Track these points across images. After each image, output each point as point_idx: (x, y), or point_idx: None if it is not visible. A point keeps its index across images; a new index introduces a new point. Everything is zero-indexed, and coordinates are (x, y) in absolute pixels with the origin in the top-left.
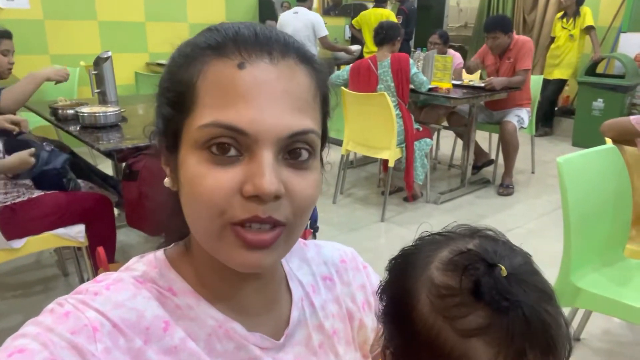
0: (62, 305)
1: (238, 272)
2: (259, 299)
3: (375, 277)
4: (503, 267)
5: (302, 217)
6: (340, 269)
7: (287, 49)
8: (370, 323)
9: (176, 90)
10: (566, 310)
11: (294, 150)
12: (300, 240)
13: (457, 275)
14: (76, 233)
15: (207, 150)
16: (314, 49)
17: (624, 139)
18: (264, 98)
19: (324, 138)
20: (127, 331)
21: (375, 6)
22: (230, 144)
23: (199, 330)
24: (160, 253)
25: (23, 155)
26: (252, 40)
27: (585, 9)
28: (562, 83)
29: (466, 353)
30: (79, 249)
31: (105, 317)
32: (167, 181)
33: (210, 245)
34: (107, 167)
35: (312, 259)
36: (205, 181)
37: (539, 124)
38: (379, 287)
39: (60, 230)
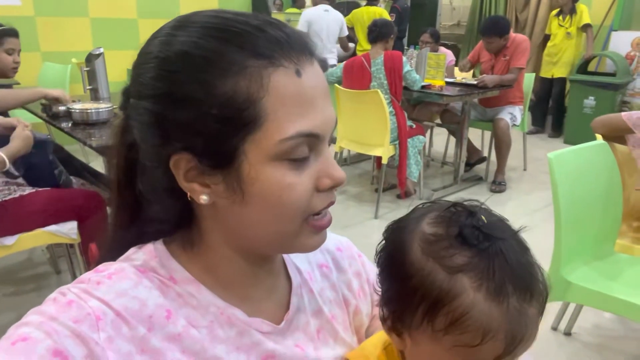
0: (65, 294)
1: (256, 261)
2: (260, 286)
3: (370, 265)
4: (483, 217)
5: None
6: (337, 256)
7: (308, 44)
8: (365, 309)
9: (230, 107)
10: (557, 305)
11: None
12: None
13: (444, 225)
14: (68, 230)
15: (286, 159)
16: (335, 46)
17: (614, 135)
18: (321, 100)
19: None
20: (130, 319)
21: (368, 4)
22: (308, 152)
23: (201, 318)
24: (159, 243)
25: (20, 133)
26: (292, 42)
27: (582, 7)
28: (564, 82)
29: (453, 287)
30: (72, 246)
31: (108, 306)
32: (204, 198)
33: (282, 243)
34: (97, 165)
35: None
36: (295, 190)
37: (550, 124)
38: (375, 252)
39: (53, 227)
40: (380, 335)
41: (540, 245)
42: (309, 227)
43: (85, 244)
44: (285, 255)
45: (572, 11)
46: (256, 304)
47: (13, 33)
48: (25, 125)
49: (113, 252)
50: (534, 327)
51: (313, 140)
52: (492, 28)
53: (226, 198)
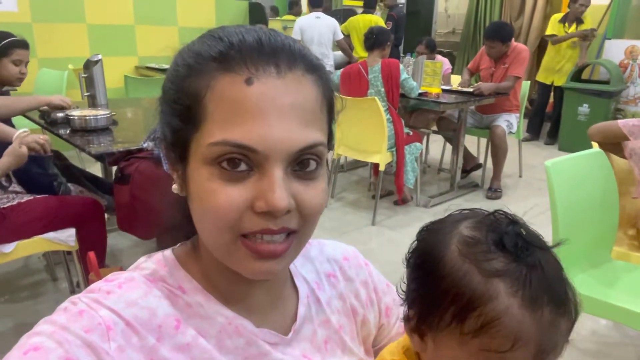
0: (76, 303)
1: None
2: (266, 297)
3: (377, 273)
4: (522, 227)
5: (312, 223)
6: (344, 266)
7: (294, 58)
8: (373, 319)
9: (183, 103)
10: None
11: (302, 162)
12: None
13: (484, 231)
14: (66, 237)
15: (218, 165)
16: (331, 52)
17: (611, 142)
18: (272, 114)
19: (329, 142)
20: (140, 329)
21: (364, 12)
22: (240, 160)
23: (210, 328)
24: (168, 252)
25: (14, 150)
26: (258, 51)
27: (587, 18)
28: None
29: (488, 290)
30: (69, 253)
31: (118, 316)
32: (175, 187)
33: (220, 254)
34: (95, 172)
35: (316, 257)
36: (216, 197)
37: (546, 132)
38: (408, 252)
39: (51, 234)
40: (398, 343)
41: None
42: (244, 248)
43: (83, 251)
44: (292, 265)
45: (580, 21)
46: (263, 314)
47: (22, 45)
48: (25, 132)
49: (168, 238)
50: (562, 342)
51: (252, 155)
52: (496, 33)
53: (183, 191)
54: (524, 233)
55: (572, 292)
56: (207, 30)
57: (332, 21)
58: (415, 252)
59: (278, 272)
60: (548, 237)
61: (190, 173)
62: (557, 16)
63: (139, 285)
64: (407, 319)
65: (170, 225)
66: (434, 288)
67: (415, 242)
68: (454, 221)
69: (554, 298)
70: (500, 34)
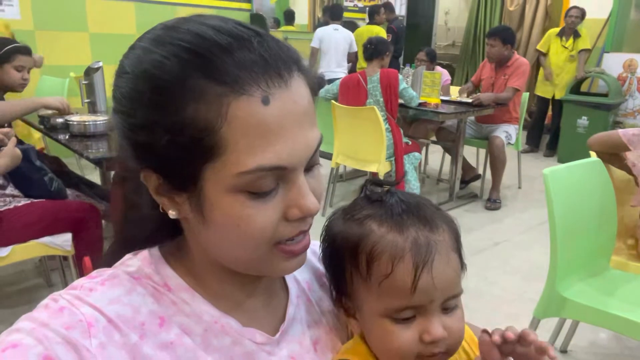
0: (57, 300)
1: (240, 275)
2: (255, 296)
3: None
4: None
5: (317, 212)
6: None
7: (289, 63)
8: None
9: (188, 135)
10: (553, 321)
11: (310, 160)
12: None
13: (358, 199)
14: (63, 242)
15: (245, 192)
16: (346, 62)
17: (611, 152)
18: (291, 127)
19: None
20: (123, 326)
21: (369, 24)
22: (271, 185)
23: (195, 326)
24: (155, 250)
25: (9, 151)
26: (264, 64)
27: (584, 31)
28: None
29: (364, 232)
30: (65, 259)
31: (100, 313)
32: (172, 213)
33: (249, 266)
34: (94, 179)
35: (309, 257)
36: (254, 221)
37: (545, 143)
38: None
39: (47, 239)
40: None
41: (537, 262)
42: (279, 253)
43: (79, 256)
44: None
45: (576, 35)
46: (251, 313)
47: (25, 51)
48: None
49: (113, 252)
50: (442, 253)
51: (279, 172)
52: (497, 32)
53: (193, 218)
54: (389, 190)
55: (442, 215)
56: (165, 29)
57: (348, 34)
58: (322, 248)
59: (304, 263)
60: (547, 248)
61: (210, 201)
62: (554, 31)
63: (122, 283)
64: (337, 305)
65: (143, 223)
66: (335, 258)
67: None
68: (337, 210)
69: (419, 219)
70: (500, 34)
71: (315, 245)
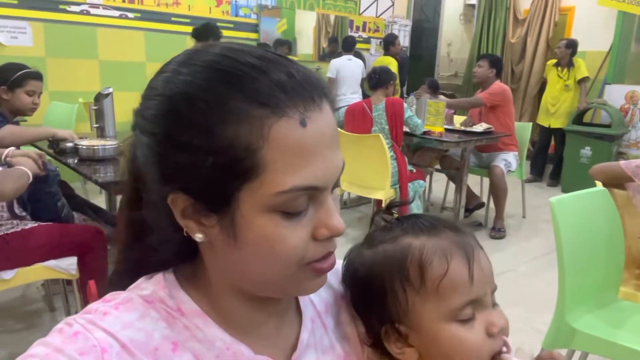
0: (71, 325)
1: (258, 300)
2: (268, 322)
3: None
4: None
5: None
6: None
7: (318, 87)
8: None
9: (226, 155)
10: (563, 352)
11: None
12: None
13: (376, 230)
14: (68, 265)
15: (279, 211)
16: (360, 89)
17: (613, 183)
18: (325, 149)
19: None
20: (136, 352)
21: (385, 54)
22: (305, 205)
23: (207, 352)
24: (169, 273)
25: (26, 161)
26: (301, 88)
27: (579, 61)
28: (564, 132)
29: (402, 247)
30: (69, 283)
31: (114, 338)
32: (199, 236)
33: (274, 287)
34: (99, 204)
35: (330, 278)
36: (287, 241)
37: (549, 173)
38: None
39: (52, 262)
40: None
41: (542, 293)
42: (309, 272)
43: (84, 279)
44: None
45: (570, 64)
46: (264, 339)
47: (36, 76)
48: (40, 155)
49: (118, 276)
50: (479, 249)
51: (313, 192)
52: (487, 56)
53: (221, 240)
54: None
55: (459, 225)
56: (210, 56)
57: (360, 62)
58: (346, 284)
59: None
60: (556, 278)
61: (244, 222)
62: (552, 61)
63: (136, 307)
64: (385, 340)
65: (159, 247)
66: (373, 288)
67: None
68: (354, 246)
69: (445, 227)
70: (489, 57)
71: (338, 264)
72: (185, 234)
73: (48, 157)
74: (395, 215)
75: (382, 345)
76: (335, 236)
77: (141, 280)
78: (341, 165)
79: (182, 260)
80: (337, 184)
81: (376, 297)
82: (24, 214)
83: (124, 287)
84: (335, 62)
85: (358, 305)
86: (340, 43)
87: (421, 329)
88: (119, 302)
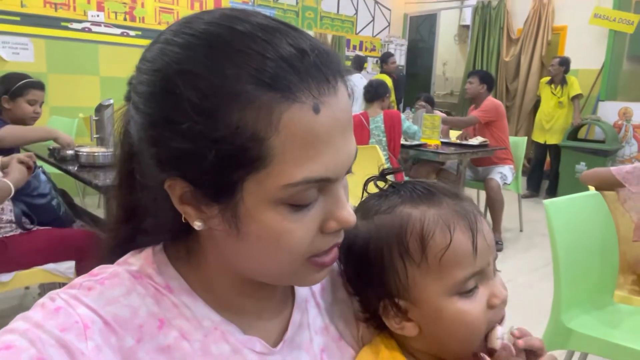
0: (54, 299)
1: (256, 285)
2: (259, 302)
3: None
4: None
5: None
6: None
7: (334, 67)
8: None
9: (231, 143)
10: (561, 354)
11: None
12: None
13: (370, 197)
14: (66, 269)
15: (287, 204)
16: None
17: (605, 189)
18: (338, 137)
19: None
20: (119, 329)
21: (381, 72)
22: (315, 196)
23: (194, 331)
24: (159, 249)
25: (16, 165)
26: (315, 69)
27: (572, 78)
28: (559, 148)
29: (401, 218)
30: None
31: (96, 314)
32: (198, 224)
33: (277, 278)
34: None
35: None
36: (294, 234)
37: (545, 188)
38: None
39: (50, 266)
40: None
41: (542, 304)
42: (312, 265)
43: None
44: None
45: (563, 82)
46: (255, 320)
47: (38, 85)
48: (29, 156)
49: (108, 252)
50: (480, 216)
51: (323, 184)
52: (477, 72)
53: (222, 230)
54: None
55: (457, 189)
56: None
57: (365, 81)
58: (342, 262)
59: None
60: (550, 290)
61: (248, 214)
62: (545, 79)
63: (122, 282)
64: (383, 315)
65: (152, 227)
66: (371, 261)
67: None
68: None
69: (445, 194)
70: (479, 73)
71: None
72: (183, 220)
73: (47, 165)
74: (389, 182)
75: (377, 320)
76: (346, 228)
77: (130, 254)
78: (354, 152)
79: (175, 237)
80: (348, 170)
81: (374, 272)
82: (31, 226)
83: (112, 262)
84: (352, 79)
85: (353, 280)
86: (348, 62)
87: (422, 303)
88: (105, 277)
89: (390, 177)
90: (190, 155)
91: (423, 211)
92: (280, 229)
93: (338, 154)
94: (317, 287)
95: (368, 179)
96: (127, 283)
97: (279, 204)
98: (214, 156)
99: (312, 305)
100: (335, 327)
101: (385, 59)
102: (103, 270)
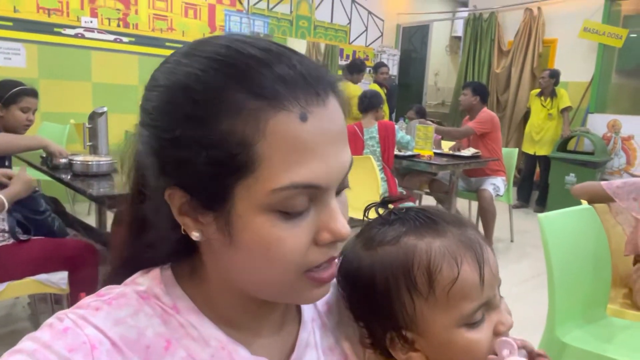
0: (62, 320)
1: (258, 302)
2: (266, 321)
3: None
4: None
5: (348, 236)
6: None
7: (325, 82)
8: None
9: (221, 149)
10: None
11: (341, 184)
12: None
13: (369, 227)
14: (58, 279)
15: (277, 211)
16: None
17: (596, 202)
18: (328, 147)
19: None
20: (126, 350)
21: (374, 82)
22: (305, 205)
23: (201, 351)
24: (166, 269)
25: (20, 176)
26: (303, 81)
27: (562, 91)
28: (549, 159)
29: (406, 250)
30: (57, 302)
31: (104, 335)
32: (196, 235)
33: (276, 293)
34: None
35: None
36: (284, 243)
37: (535, 199)
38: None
39: (43, 276)
40: None
41: (533, 314)
42: (308, 280)
43: (74, 294)
44: None
45: (553, 94)
46: (262, 340)
47: (31, 93)
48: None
49: (114, 272)
50: (485, 245)
51: (313, 192)
52: (470, 84)
53: (218, 239)
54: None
55: (460, 215)
56: (204, 46)
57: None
58: (342, 290)
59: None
60: (544, 300)
61: (239, 221)
62: (535, 91)
63: (130, 302)
64: (390, 347)
65: (156, 243)
66: (376, 293)
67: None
68: (347, 244)
69: (448, 222)
70: (472, 85)
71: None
72: (183, 232)
73: (40, 173)
74: (391, 207)
75: (382, 346)
76: (340, 241)
77: (138, 274)
78: (347, 164)
79: (180, 256)
80: (344, 185)
81: (379, 304)
82: (25, 237)
83: (119, 283)
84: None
85: (357, 309)
86: (340, 71)
87: (429, 334)
88: (112, 297)
89: (384, 183)
90: (184, 162)
91: (429, 243)
92: (271, 237)
93: (327, 163)
94: (323, 307)
95: (368, 205)
96: (134, 303)
97: (269, 210)
98: (205, 162)
99: (318, 325)
100: (341, 348)
101: (375, 69)
102: (110, 291)
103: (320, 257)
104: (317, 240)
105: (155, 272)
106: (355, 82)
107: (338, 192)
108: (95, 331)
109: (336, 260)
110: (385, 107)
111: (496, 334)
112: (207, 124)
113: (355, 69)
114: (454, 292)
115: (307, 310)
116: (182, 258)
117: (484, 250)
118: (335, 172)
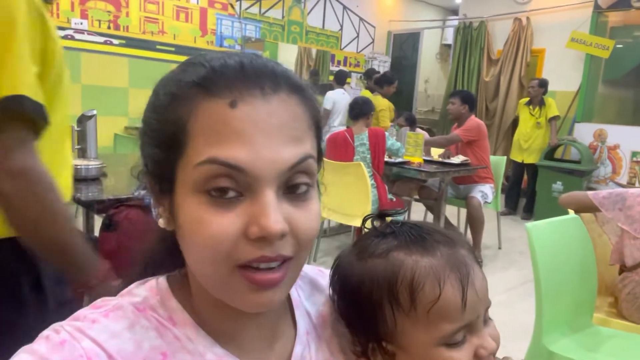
0: (59, 332)
1: (239, 310)
2: (260, 334)
3: None
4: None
5: (307, 249)
6: None
7: (277, 81)
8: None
9: (165, 131)
10: None
11: (293, 185)
12: (317, 267)
13: (363, 238)
14: None
15: (206, 193)
16: (345, 120)
17: (582, 212)
18: (259, 135)
19: (319, 160)
20: None
21: (366, 88)
22: (229, 186)
23: None
24: (162, 279)
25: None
26: (243, 75)
27: (550, 100)
28: (537, 167)
29: (392, 265)
30: None
31: (101, 348)
32: (161, 222)
33: (216, 289)
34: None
35: (327, 287)
36: (208, 227)
37: (522, 207)
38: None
39: None
40: None
41: (520, 322)
42: (241, 278)
43: None
44: (295, 296)
45: (541, 103)
46: (257, 353)
47: None
48: None
49: (129, 278)
50: (473, 266)
51: (240, 177)
52: (458, 92)
53: (170, 225)
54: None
55: (453, 232)
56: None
57: (349, 97)
58: (335, 297)
59: (277, 302)
60: (531, 308)
61: (178, 203)
62: (524, 100)
63: (126, 315)
64: (373, 355)
65: (151, 263)
66: (363, 302)
67: (330, 288)
68: (344, 251)
69: (439, 240)
70: (460, 94)
71: None
72: (160, 223)
73: None
74: (388, 219)
75: (366, 355)
76: (268, 237)
77: (135, 285)
78: (289, 160)
79: (174, 266)
80: (295, 181)
81: (364, 314)
82: None
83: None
84: (332, 95)
85: (344, 315)
86: (332, 76)
87: (409, 349)
88: (108, 310)
89: (374, 190)
90: (145, 148)
91: (415, 260)
92: (197, 218)
93: (254, 150)
94: (318, 320)
95: (366, 217)
96: (130, 316)
97: (198, 192)
98: (156, 145)
99: (313, 338)
100: None
101: (369, 75)
102: (106, 303)
103: (251, 252)
104: (247, 233)
105: (152, 283)
106: (385, 95)
107: (293, 192)
108: (92, 344)
109: (283, 268)
110: (391, 114)
111: (477, 357)
112: (159, 109)
113: (385, 81)
114: (434, 311)
115: (302, 323)
116: (175, 267)
117: (471, 273)
118: (268, 161)
